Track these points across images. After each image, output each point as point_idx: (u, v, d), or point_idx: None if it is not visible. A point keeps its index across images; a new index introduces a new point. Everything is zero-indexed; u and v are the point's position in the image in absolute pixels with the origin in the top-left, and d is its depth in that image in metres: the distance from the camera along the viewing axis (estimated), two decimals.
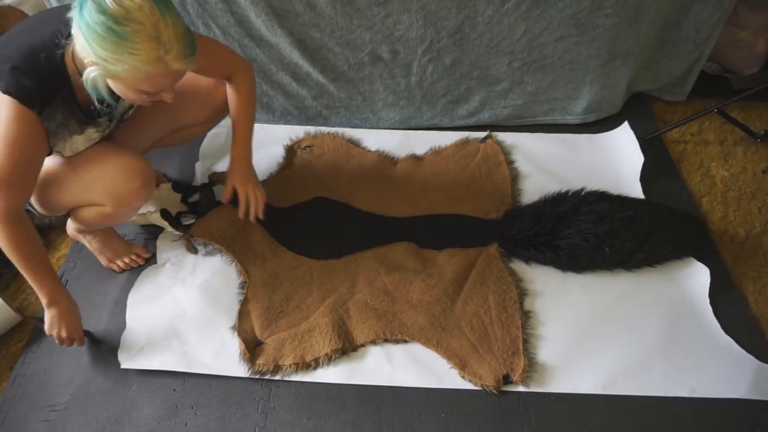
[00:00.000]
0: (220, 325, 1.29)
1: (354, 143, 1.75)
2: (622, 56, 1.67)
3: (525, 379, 1.19)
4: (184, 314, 1.31)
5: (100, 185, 1.13)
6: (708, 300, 1.32)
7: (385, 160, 1.69)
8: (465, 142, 1.74)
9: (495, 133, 1.76)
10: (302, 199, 1.56)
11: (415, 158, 1.69)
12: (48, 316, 1.12)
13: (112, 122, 1.17)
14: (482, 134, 1.76)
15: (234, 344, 1.25)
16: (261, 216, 1.34)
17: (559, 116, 1.82)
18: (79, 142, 1.10)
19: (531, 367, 1.21)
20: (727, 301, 1.34)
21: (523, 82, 1.72)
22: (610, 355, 1.24)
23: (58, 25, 0.96)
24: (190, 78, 1.28)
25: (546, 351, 1.25)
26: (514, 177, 1.63)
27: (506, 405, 1.17)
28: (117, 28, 0.84)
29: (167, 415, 1.17)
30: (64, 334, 1.14)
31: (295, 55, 1.62)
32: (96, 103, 0.99)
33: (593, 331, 1.28)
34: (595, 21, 1.55)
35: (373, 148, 1.73)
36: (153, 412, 1.17)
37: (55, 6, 0.91)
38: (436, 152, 1.72)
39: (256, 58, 1.63)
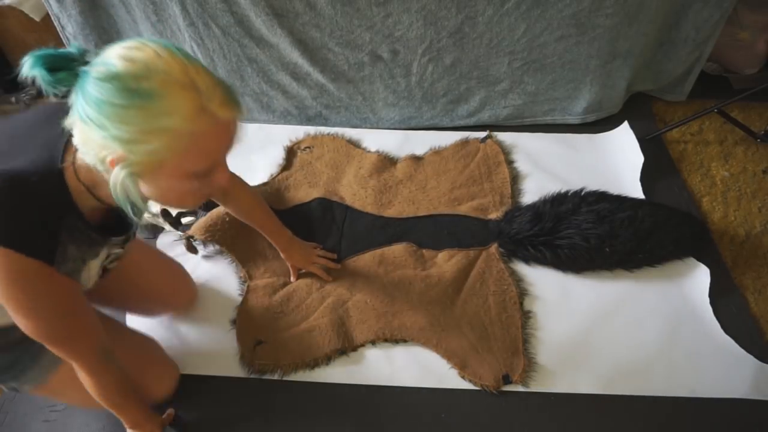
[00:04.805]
0: (220, 325, 1.29)
1: (354, 143, 1.74)
2: (622, 56, 1.66)
3: (525, 379, 1.19)
4: (183, 314, 1.31)
5: (130, 371, 0.98)
6: (708, 300, 1.32)
7: (385, 160, 1.69)
8: (465, 142, 1.74)
9: (495, 133, 1.76)
10: (302, 199, 1.56)
11: (415, 158, 1.69)
12: None
13: (126, 241, 0.98)
14: (482, 134, 1.76)
15: (233, 344, 1.25)
16: (332, 265, 1.38)
17: (559, 116, 1.82)
18: (95, 266, 0.90)
19: (531, 367, 1.21)
20: (727, 301, 1.34)
21: (523, 82, 1.72)
22: (610, 355, 1.24)
23: (47, 135, 0.75)
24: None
25: (546, 351, 1.25)
26: (514, 177, 1.63)
27: (506, 405, 1.17)
28: (138, 86, 0.64)
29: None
30: None
31: (295, 55, 1.62)
32: (130, 213, 0.75)
33: (593, 331, 1.28)
34: (595, 21, 1.55)
35: (373, 148, 1.73)
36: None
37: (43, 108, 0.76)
38: (436, 152, 1.72)
39: (256, 58, 1.63)
